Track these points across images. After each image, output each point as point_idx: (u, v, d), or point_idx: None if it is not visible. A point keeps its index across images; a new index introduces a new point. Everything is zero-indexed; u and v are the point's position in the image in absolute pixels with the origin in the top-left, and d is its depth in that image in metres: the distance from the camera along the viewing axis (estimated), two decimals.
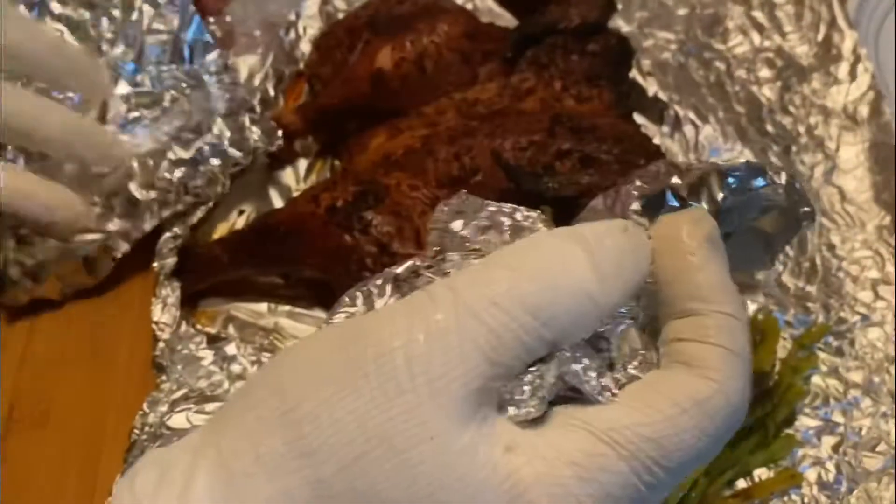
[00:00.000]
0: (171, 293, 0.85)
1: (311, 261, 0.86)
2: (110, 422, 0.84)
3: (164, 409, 0.80)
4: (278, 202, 0.99)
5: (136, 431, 0.79)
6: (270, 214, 0.91)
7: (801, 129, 1.01)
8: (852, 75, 1.02)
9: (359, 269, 0.84)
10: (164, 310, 0.84)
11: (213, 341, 0.86)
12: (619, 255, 0.43)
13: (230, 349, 0.86)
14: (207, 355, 0.85)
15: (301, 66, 1.06)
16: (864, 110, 1.01)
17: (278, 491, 0.40)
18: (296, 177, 1.02)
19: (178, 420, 0.79)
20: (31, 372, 0.87)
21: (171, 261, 0.86)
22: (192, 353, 0.85)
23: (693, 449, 0.42)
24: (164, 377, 0.83)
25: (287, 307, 0.93)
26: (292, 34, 1.05)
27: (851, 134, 1.00)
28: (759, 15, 1.07)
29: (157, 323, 0.84)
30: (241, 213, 0.98)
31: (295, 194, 0.98)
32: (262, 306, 0.92)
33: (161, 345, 0.83)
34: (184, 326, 0.85)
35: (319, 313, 0.92)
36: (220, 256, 0.89)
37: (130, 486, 0.42)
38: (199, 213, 0.89)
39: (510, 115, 0.91)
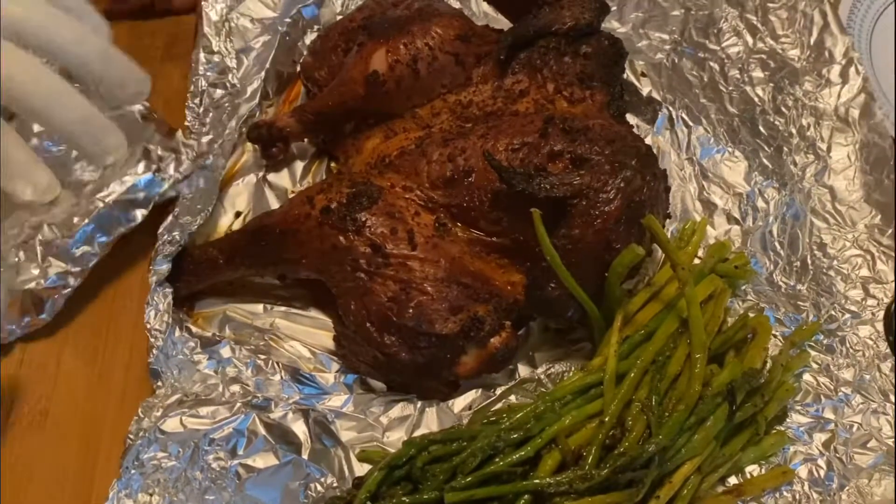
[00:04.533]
0: (162, 300, 0.85)
1: (306, 261, 0.87)
2: (107, 426, 0.85)
3: (158, 413, 0.80)
4: (274, 203, 1.00)
5: (131, 437, 0.80)
6: (266, 216, 0.92)
7: (793, 130, 1.02)
8: (844, 78, 1.03)
9: (353, 269, 0.85)
10: (156, 316, 0.85)
11: (207, 345, 0.87)
12: None
13: (225, 352, 0.87)
14: (202, 359, 0.86)
15: (297, 68, 1.07)
16: (855, 112, 1.01)
17: None
18: (292, 178, 1.02)
19: (171, 424, 0.80)
20: (28, 375, 0.88)
21: (165, 267, 0.86)
22: (187, 357, 0.85)
23: None
24: (159, 382, 0.84)
25: (283, 308, 0.94)
26: (290, 37, 1.06)
27: (843, 135, 1.01)
28: (752, 17, 1.08)
29: (150, 329, 0.84)
30: (238, 214, 0.99)
31: (291, 196, 0.99)
32: (258, 307, 0.93)
33: (155, 351, 0.84)
34: (177, 332, 0.86)
35: (315, 313, 0.93)
36: (217, 258, 0.90)
37: None
38: (199, 221, 0.89)
39: (504, 116, 0.92)
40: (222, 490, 0.77)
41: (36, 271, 0.85)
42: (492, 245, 0.87)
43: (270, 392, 0.85)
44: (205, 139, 0.94)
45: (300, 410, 0.82)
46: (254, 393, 0.84)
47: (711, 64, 1.07)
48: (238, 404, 0.81)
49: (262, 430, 0.80)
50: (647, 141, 0.98)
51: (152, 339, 0.84)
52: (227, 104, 0.99)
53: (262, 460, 0.79)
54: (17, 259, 0.85)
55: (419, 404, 0.85)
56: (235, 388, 0.84)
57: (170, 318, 0.85)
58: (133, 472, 0.77)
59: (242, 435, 0.79)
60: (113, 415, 0.85)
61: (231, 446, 0.79)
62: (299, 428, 0.81)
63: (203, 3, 1.04)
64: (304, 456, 0.80)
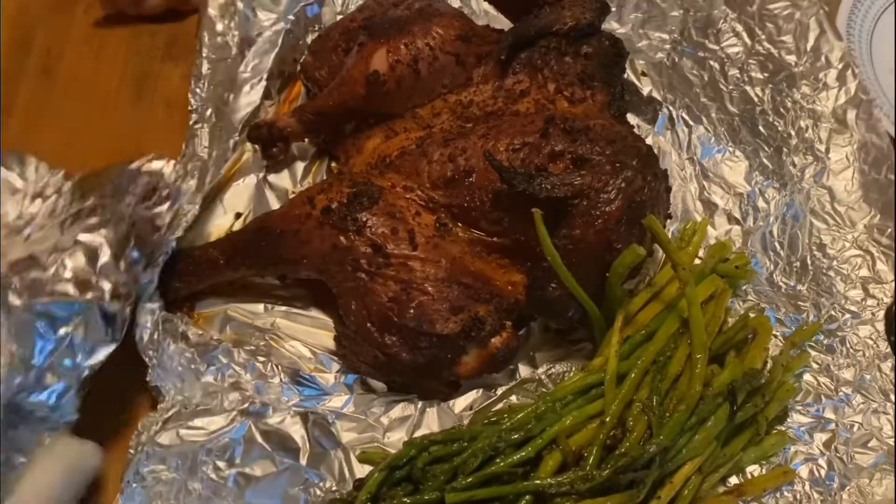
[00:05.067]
0: (149, 317, 0.84)
1: (306, 261, 0.87)
2: (109, 442, 0.84)
3: (156, 427, 0.80)
4: (275, 204, 0.99)
5: (131, 451, 0.80)
6: (267, 216, 0.92)
7: (792, 131, 1.02)
8: (841, 81, 1.03)
9: (354, 269, 0.85)
10: (146, 335, 0.83)
11: (204, 353, 0.85)
12: None
13: (223, 357, 0.86)
14: (201, 368, 0.85)
15: (298, 67, 1.07)
16: (852, 114, 1.02)
17: None
18: (292, 179, 1.02)
19: (168, 437, 0.80)
20: None
21: (150, 282, 0.84)
22: (186, 367, 0.84)
23: None
24: (161, 397, 0.83)
25: (283, 307, 0.93)
26: (293, 35, 1.06)
27: (841, 136, 1.01)
28: (750, 21, 1.08)
29: (143, 350, 0.83)
30: (238, 215, 0.98)
31: (291, 196, 0.98)
32: (259, 307, 0.93)
33: (151, 370, 0.83)
34: (172, 345, 0.84)
35: (316, 313, 0.93)
36: (217, 258, 0.90)
37: None
38: (185, 223, 0.88)
39: (504, 116, 0.92)
40: (222, 500, 0.78)
41: None
42: (493, 245, 0.87)
43: (270, 395, 0.84)
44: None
45: (299, 414, 0.82)
46: (253, 398, 0.83)
47: (711, 63, 1.07)
48: (234, 413, 0.81)
49: (258, 438, 0.80)
50: (648, 141, 0.98)
51: (147, 359, 0.83)
52: (229, 96, 0.99)
53: (261, 468, 0.79)
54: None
55: (420, 405, 0.85)
56: (235, 395, 0.84)
57: (160, 335, 0.84)
58: (135, 485, 0.78)
59: (239, 444, 0.80)
60: (113, 430, 0.85)
61: (228, 456, 0.79)
62: (297, 433, 0.81)
63: None
64: (303, 461, 0.80)
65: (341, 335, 0.88)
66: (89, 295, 0.77)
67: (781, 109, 1.03)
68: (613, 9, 1.06)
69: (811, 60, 1.05)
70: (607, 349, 0.82)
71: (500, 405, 0.85)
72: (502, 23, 1.05)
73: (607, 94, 0.94)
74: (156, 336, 0.84)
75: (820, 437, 0.85)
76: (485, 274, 0.86)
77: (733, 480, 0.83)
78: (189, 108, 0.99)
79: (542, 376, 0.87)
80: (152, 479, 0.78)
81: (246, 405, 0.82)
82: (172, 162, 0.87)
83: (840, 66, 1.04)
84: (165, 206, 0.84)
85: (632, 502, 0.75)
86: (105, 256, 0.78)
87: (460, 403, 0.86)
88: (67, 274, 0.76)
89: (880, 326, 0.91)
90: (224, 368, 0.85)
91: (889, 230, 0.96)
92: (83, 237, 0.79)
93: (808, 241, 0.96)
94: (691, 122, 1.05)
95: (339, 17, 1.08)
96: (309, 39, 1.07)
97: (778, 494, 0.82)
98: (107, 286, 0.78)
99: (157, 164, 0.86)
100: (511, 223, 0.85)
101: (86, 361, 0.77)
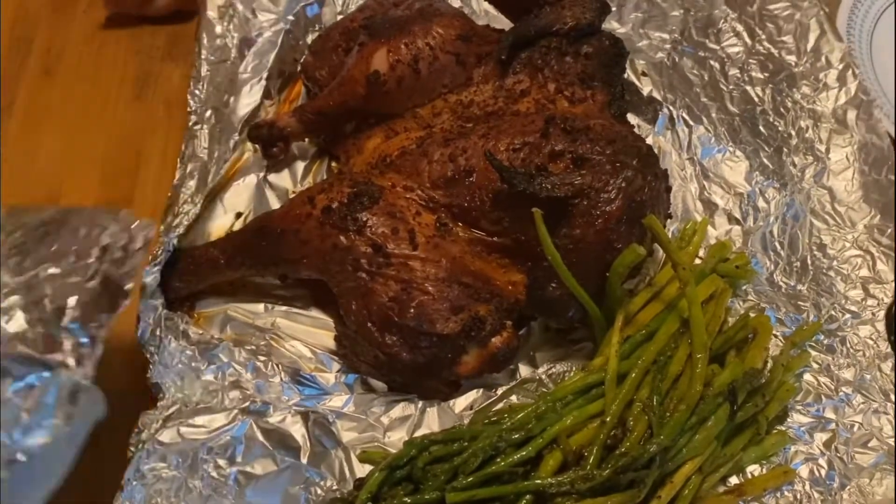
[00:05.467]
0: (152, 313, 0.84)
1: (307, 261, 0.87)
2: (108, 440, 0.84)
3: (156, 425, 0.80)
4: (275, 204, 1.00)
5: (132, 449, 0.80)
6: (267, 216, 0.92)
7: (792, 131, 1.02)
8: (841, 81, 1.04)
9: (354, 269, 0.85)
10: (150, 332, 0.84)
11: (205, 351, 0.86)
12: None
13: (224, 356, 0.86)
14: (202, 366, 0.85)
15: (298, 67, 1.07)
16: (852, 114, 1.02)
17: None
18: (293, 179, 1.02)
19: (169, 435, 0.79)
20: None
21: (151, 278, 0.85)
22: (186, 365, 0.85)
23: None
24: (161, 394, 0.83)
25: (284, 307, 0.93)
26: (292, 35, 1.06)
27: (841, 137, 1.01)
28: (751, 21, 1.08)
29: (144, 345, 0.83)
30: (239, 215, 0.98)
31: (292, 196, 0.98)
32: (259, 306, 0.93)
33: (152, 366, 0.83)
34: (173, 343, 0.85)
35: (316, 313, 0.93)
36: (218, 258, 0.90)
37: None
38: (185, 222, 0.88)
39: (505, 116, 0.92)
40: (223, 498, 0.77)
41: None
42: (493, 245, 0.87)
43: (271, 394, 0.84)
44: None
45: (300, 413, 0.82)
46: (253, 397, 0.83)
47: (712, 63, 1.07)
48: (235, 411, 0.81)
49: (259, 437, 0.80)
50: (649, 141, 0.98)
51: (148, 355, 0.83)
52: (228, 98, 0.99)
53: (261, 466, 0.79)
54: None
55: (420, 404, 0.85)
56: (235, 393, 0.84)
57: (162, 332, 0.84)
58: (135, 483, 0.77)
59: (240, 442, 0.80)
60: (113, 428, 0.85)
61: (229, 454, 0.79)
62: (298, 431, 0.81)
63: None
64: (304, 460, 0.80)
65: (342, 335, 0.88)
66: (57, 357, 0.63)
67: (782, 109, 1.04)
68: (613, 8, 1.06)
69: (811, 61, 1.05)
70: (608, 349, 0.82)
71: (500, 405, 0.85)
72: (502, 23, 1.05)
73: (607, 94, 0.94)
74: (157, 332, 0.84)
75: (820, 437, 0.85)
76: (485, 274, 0.86)
77: (733, 480, 0.83)
78: (188, 109, 0.99)
79: (543, 376, 0.87)
80: (153, 477, 0.77)
81: (247, 404, 0.82)
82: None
83: (840, 67, 1.04)
84: (128, 264, 0.71)
85: (632, 502, 0.75)
86: (73, 313, 0.66)
87: (461, 403, 0.86)
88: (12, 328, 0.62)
89: (880, 326, 0.91)
90: (224, 367, 0.85)
91: (889, 230, 0.96)
92: (49, 290, 0.66)
93: (809, 241, 0.96)
94: (691, 122, 1.06)
95: (339, 17, 1.08)
96: (309, 39, 1.07)
97: (778, 494, 0.82)
98: (69, 346, 0.64)
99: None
100: (511, 223, 0.85)
101: (25, 440, 0.60)
